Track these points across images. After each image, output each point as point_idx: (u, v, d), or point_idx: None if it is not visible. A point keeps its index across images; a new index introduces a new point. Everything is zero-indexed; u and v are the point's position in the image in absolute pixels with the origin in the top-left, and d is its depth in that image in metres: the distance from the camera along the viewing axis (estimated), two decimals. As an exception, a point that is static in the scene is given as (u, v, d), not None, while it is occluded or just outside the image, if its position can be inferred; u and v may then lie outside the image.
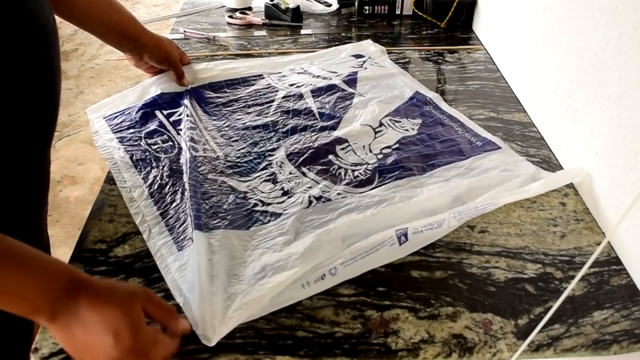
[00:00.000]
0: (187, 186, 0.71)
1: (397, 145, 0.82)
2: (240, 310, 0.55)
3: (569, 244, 0.67)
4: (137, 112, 0.89)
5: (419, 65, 1.10)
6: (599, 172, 0.71)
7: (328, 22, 1.33)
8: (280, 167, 0.78)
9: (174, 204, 0.70)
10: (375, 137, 0.84)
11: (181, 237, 0.65)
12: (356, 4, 1.35)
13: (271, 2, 1.29)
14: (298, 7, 1.30)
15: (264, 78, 1.01)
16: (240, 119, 0.89)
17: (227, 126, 0.87)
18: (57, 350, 0.54)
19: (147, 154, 0.80)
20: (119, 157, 0.80)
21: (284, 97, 0.94)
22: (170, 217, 0.68)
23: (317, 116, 0.89)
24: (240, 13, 1.32)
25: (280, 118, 0.89)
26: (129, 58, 0.92)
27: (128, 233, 0.67)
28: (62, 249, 1.67)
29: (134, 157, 0.79)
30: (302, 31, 1.27)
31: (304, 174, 0.76)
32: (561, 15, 0.82)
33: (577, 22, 0.77)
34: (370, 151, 0.81)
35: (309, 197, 0.71)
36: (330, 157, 0.80)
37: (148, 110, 0.89)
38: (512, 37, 1.04)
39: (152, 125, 0.86)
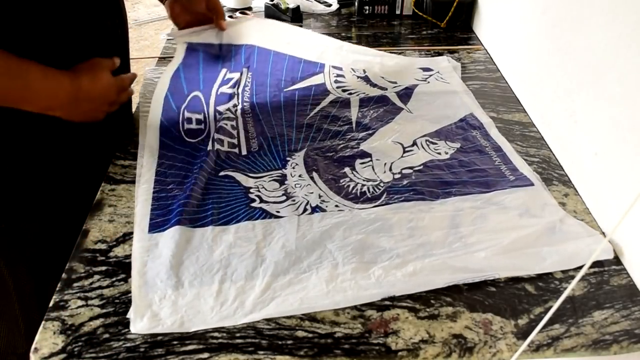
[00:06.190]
0: (191, 179, 0.74)
1: (420, 168, 0.78)
2: (174, 316, 0.57)
3: (569, 244, 0.67)
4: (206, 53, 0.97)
5: (419, 65, 1.10)
6: (599, 172, 0.71)
7: (328, 22, 1.33)
8: (294, 168, 0.78)
9: (170, 186, 0.74)
10: (402, 156, 0.81)
11: (159, 221, 0.68)
12: (356, 4, 1.35)
13: (271, 2, 1.29)
14: (298, 7, 1.30)
15: (322, 72, 1.00)
16: (283, 115, 0.90)
17: (265, 112, 0.90)
18: (57, 350, 0.54)
19: (178, 133, 0.84)
20: (152, 130, 0.84)
21: (330, 102, 0.94)
22: (162, 197, 0.72)
23: (354, 126, 0.88)
24: (240, 13, 1.32)
25: (316, 122, 0.89)
26: (168, 7, 0.99)
27: (128, 233, 0.67)
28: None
29: (167, 136, 0.83)
30: (302, 31, 1.27)
31: (312, 179, 0.76)
32: (561, 15, 0.82)
33: (577, 22, 0.77)
34: (390, 170, 0.78)
35: (306, 204, 0.71)
36: (346, 169, 0.78)
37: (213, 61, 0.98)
38: (512, 37, 1.03)
39: (198, 93, 0.92)
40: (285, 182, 0.75)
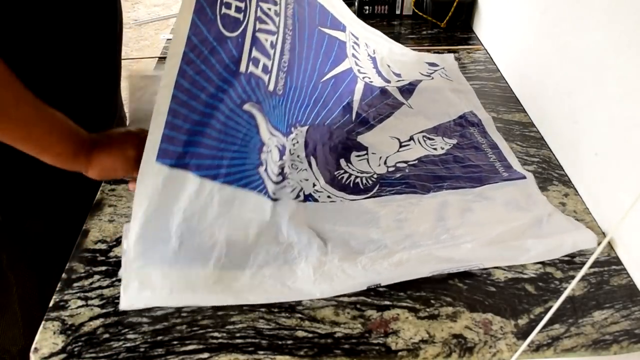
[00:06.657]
0: (214, 102, 0.59)
1: (414, 162, 0.79)
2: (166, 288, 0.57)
3: (569, 244, 0.67)
4: None
5: (419, 65, 1.10)
6: (599, 172, 0.71)
7: (328, 22, 1.33)
8: (294, 146, 0.78)
9: (190, 102, 0.56)
10: (397, 151, 0.82)
11: (170, 150, 0.55)
12: (356, 4, 1.35)
13: (271, 2, 1.29)
14: (298, 7, 1.30)
15: (345, 32, 0.92)
16: (311, 59, 0.81)
17: (300, 41, 0.76)
18: (57, 350, 0.54)
19: (213, 16, 0.59)
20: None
21: (343, 71, 0.91)
22: (179, 113, 0.55)
23: (353, 117, 0.88)
24: None
25: (328, 90, 0.86)
26: None
27: (128, 233, 0.67)
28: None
29: (201, 18, 0.60)
30: (302, 31, 1.26)
31: (309, 163, 0.76)
32: (561, 15, 0.82)
33: (577, 22, 0.77)
34: (385, 163, 0.79)
35: (299, 190, 0.72)
36: (341, 161, 0.79)
37: None
38: (512, 37, 1.03)
39: None
40: (283, 158, 0.73)
